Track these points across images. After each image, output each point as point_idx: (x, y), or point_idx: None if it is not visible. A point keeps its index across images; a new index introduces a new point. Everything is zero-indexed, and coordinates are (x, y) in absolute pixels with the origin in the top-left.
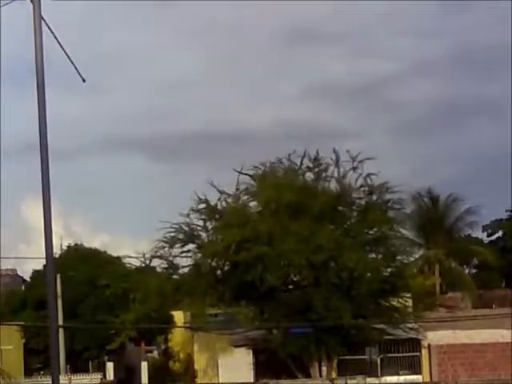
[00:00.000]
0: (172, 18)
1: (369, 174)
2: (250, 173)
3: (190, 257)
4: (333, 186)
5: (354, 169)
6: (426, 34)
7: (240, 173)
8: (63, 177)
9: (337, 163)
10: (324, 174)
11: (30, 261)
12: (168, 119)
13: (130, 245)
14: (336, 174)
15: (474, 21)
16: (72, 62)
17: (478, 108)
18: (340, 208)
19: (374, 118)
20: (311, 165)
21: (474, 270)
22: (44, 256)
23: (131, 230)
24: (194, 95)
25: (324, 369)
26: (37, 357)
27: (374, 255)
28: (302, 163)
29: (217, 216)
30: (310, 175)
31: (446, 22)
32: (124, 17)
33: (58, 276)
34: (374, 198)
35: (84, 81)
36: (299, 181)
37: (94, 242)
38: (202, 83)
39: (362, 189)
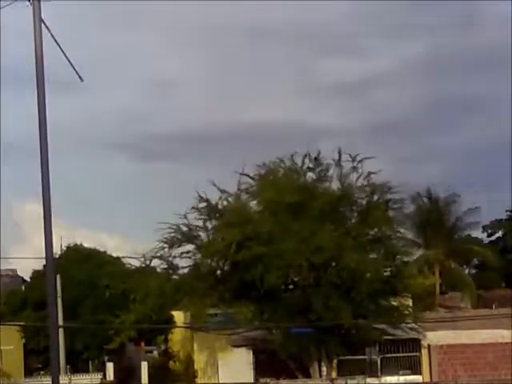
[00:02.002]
0: (163, 18)
1: (369, 173)
2: (252, 172)
3: (190, 257)
4: (334, 186)
5: (354, 168)
6: (406, 32)
7: (241, 174)
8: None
9: (338, 163)
10: (325, 175)
11: (28, 261)
12: (158, 120)
13: (121, 244)
14: (337, 175)
15: (452, 20)
16: (70, 62)
17: (462, 107)
18: (341, 208)
19: (357, 117)
20: (312, 165)
21: (473, 270)
22: (44, 256)
23: (125, 230)
24: (179, 96)
25: (324, 369)
26: (37, 357)
27: (374, 255)
28: (303, 163)
29: (217, 215)
30: (311, 175)
31: (426, 21)
32: (112, 17)
33: (58, 276)
34: (375, 198)
35: (82, 80)
36: (300, 181)
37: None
38: (188, 84)
39: (364, 189)
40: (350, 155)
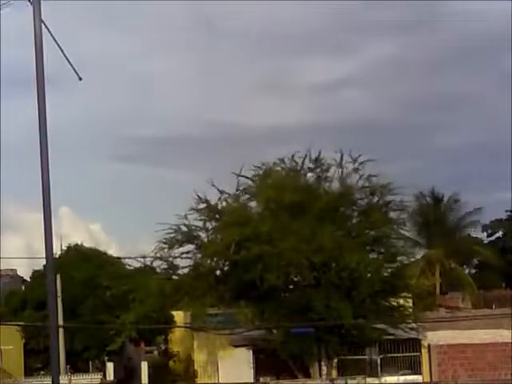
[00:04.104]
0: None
1: (370, 176)
2: (251, 173)
3: (190, 257)
4: (334, 186)
5: (356, 170)
6: (378, 31)
7: (238, 175)
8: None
9: (340, 164)
10: (325, 175)
11: (28, 261)
12: (148, 122)
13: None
14: (338, 175)
15: (423, 17)
16: (69, 61)
17: (436, 106)
18: (341, 208)
19: (333, 116)
20: (312, 165)
21: (473, 270)
22: (44, 256)
23: (123, 230)
24: (164, 97)
25: (324, 369)
26: (37, 357)
27: (374, 255)
28: (303, 163)
29: (217, 216)
30: (311, 176)
31: (397, 20)
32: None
33: (58, 276)
34: (376, 198)
35: (80, 79)
36: (300, 181)
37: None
38: (170, 85)
39: (364, 190)
40: (351, 156)
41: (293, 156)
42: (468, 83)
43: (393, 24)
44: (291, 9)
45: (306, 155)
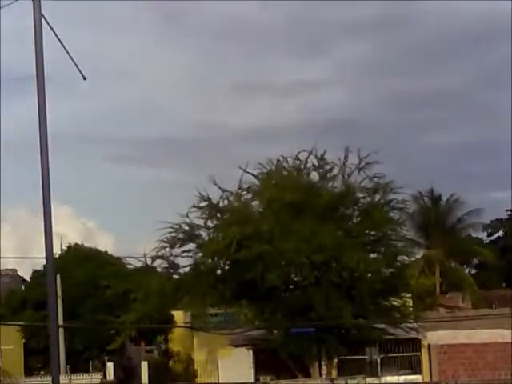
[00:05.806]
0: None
1: (374, 175)
2: (255, 172)
3: (191, 256)
4: (337, 185)
5: (360, 170)
6: (353, 31)
7: (244, 171)
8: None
9: (344, 163)
10: (329, 174)
11: (28, 261)
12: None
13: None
14: (341, 174)
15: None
16: (73, 60)
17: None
18: (342, 208)
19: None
20: (317, 164)
21: (474, 270)
22: (44, 256)
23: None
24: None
25: (324, 368)
26: (37, 357)
27: (375, 255)
28: (307, 162)
29: (218, 214)
30: (315, 174)
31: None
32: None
33: (58, 276)
34: (377, 198)
35: (85, 78)
36: (302, 180)
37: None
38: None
39: (366, 189)
40: (358, 156)
41: (297, 154)
42: (453, 80)
43: (369, 22)
44: (268, 8)
45: (309, 154)
